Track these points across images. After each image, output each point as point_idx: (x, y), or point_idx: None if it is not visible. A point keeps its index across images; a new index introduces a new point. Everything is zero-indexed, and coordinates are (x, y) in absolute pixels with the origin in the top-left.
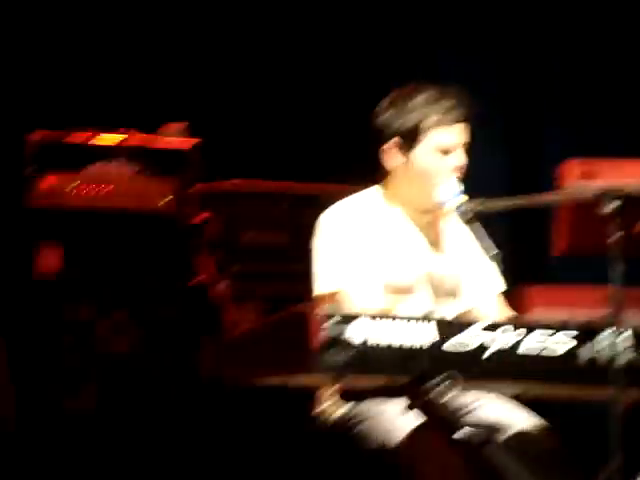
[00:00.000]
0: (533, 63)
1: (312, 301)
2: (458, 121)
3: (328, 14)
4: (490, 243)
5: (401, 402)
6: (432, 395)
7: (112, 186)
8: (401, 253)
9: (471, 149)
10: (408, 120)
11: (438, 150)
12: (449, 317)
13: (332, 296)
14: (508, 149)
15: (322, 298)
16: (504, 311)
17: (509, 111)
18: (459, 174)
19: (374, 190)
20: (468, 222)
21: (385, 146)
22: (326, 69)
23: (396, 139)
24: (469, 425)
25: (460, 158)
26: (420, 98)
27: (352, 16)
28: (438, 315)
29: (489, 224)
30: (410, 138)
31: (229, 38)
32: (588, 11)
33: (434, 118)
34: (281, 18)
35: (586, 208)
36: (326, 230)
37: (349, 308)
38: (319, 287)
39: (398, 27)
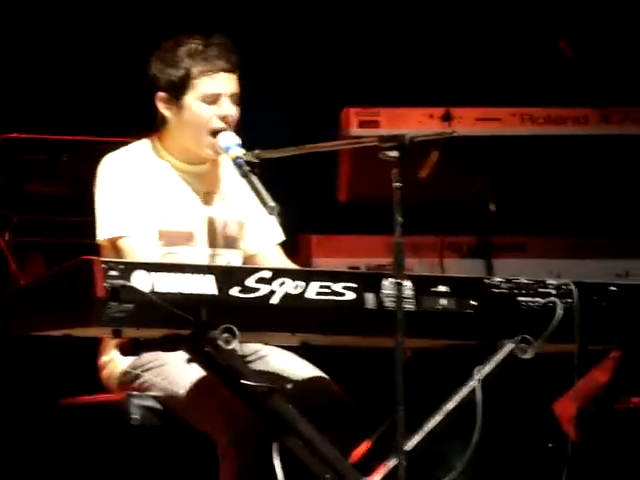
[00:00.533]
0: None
1: (95, 249)
2: (223, 70)
3: None
4: (268, 196)
5: (184, 353)
6: (211, 347)
7: None
8: (175, 202)
9: (250, 102)
10: (174, 71)
11: (204, 99)
12: (229, 265)
13: (113, 242)
14: (288, 100)
15: (103, 245)
16: (283, 261)
17: (287, 64)
18: (229, 125)
19: (146, 142)
20: (245, 175)
21: (157, 97)
22: (103, 24)
23: (165, 89)
24: (252, 375)
25: (226, 107)
26: (185, 49)
27: None
28: (219, 264)
29: (270, 175)
30: (178, 88)
31: None
32: None
33: (199, 68)
34: None
35: (368, 156)
36: (105, 177)
37: (130, 256)
38: (100, 234)
39: None
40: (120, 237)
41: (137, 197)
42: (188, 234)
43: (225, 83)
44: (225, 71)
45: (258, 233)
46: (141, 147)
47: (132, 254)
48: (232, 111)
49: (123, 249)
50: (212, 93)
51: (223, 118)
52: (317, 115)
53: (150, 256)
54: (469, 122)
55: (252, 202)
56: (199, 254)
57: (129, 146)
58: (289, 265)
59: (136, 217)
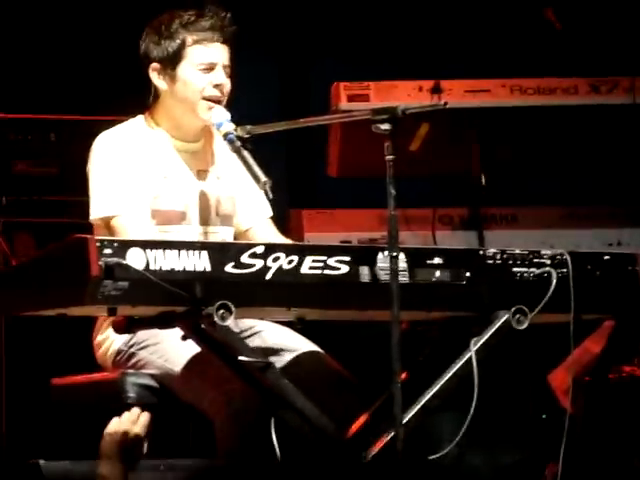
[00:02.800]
0: None
1: (84, 228)
2: (217, 40)
3: None
4: (259, 171)
5: (179, 330)
6: (206, 324)
7: None
8: (168, 180)
9: (242, 79)
10: (169, 42)
11: (199, 67)
12: (224, 242)
13: (106, 221)
14: (277, 73)
15: (97, 224)
16: (276, 235)
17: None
18: (222, 94)
19: (140, 119)
20: (237, 150)
21: (150, 68)
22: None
23: (160, 60)
24: (249, 351)
25: (220, 76)
26: (179, 20)
27: None
28: (213, 240)
29: (262, 149)
30: (173, 58)
31: None
32: None
33: (194, 37)
34: None
35: (359, 130)
36: (98, 156)
37: (122, 235)
38: (93, 212)
39: None
40: (113, 216)
41: (130, 176)
42: (182, 213)
43: (220, 53)
44: (219, 42)
45: (249, 208)
46: (134, 125)
47: (124, 233)
48: (226, 81)
49: (115, 228)
50: (207, 62)
51: (217, 86)
52: (306, 89)
53: (142, 235)
54: (458, 94)
55: (243, 178)
56: (193, 232)
57: (122, 124)
58: (281, 239)
59: (129, 196)
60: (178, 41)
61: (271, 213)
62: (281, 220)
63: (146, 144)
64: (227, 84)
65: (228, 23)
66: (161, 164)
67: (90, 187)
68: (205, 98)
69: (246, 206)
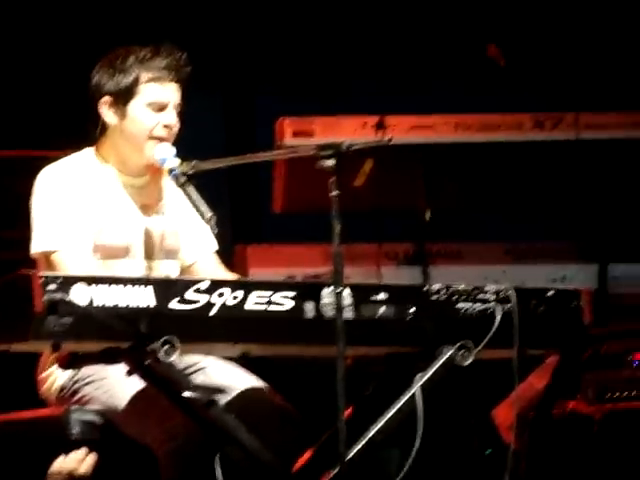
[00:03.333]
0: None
1: (27, 264)
2: (171, 80)
3: None
4: (205, 206)
5: (123, 366)
6: (151, 360)
7: None
8: (113, 214)
9: (187, 114)
10: (123, 77)
11: (150, 106)
12: (169, 277)
13: (46, 256)
14: (221, 107)
15: (38, 258)
16: (221, 270)
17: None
18: (170, 134)
19: (87, 152)
20: (182, 185)
21: (101, 102)
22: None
23: (111, 94)
24: (193, 387)
25: (171, 117)
26: (135, 56)
27: None
28: (158, 275)
29: (206, 184)
30: (125, 94)
31: None
32: None
33: (149, 75)
34: None
35: (303, 165)
36: (40, 190)
37: (63, 269)
38: (34, 247)
39: None
40: (53, 251)
41: (72, 210)
42: (125, 247)
43: (172, 93)
44: (173, 81)
45: (194, 242)
46: (80, 158)
47: (64, 268)
48: (176, 121)
49: (55, 263)
50: (159, 101)
51: (166, 127)
52: (251, 124)
53: (82, 270)
54: (403, 130)
55: (189, 212)
56: (137, 267)
57: (68, 157)
58: (226, 273)
59: (70, 231)
60: (132, 77)
61: (216, 247)
62: (226, 255)
63: (91, 178)
64: (177, 125)
65: (184, 63)
66: (105, 198)
67: (32, 221)
68: (153, 137)
69: (191, 240)
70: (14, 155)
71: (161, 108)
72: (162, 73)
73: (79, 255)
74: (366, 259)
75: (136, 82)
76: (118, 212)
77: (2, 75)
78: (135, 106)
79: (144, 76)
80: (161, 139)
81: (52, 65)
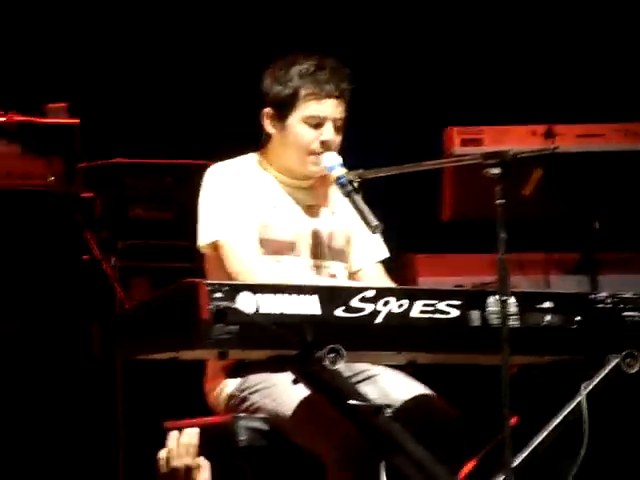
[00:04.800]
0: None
1: (201, 273)
2: (329, 96)
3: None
4: (370, 215)
5: (290, 374)
6: (318, 367)
7: None
8: (278, 212)
9: (352, 125)
10: (283, 90)
11: (308, 121)
12: (335, 282)
13: (214, 246)
14: (391, 119)
15: (206, 252)
16: (383, 279)
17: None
18: (328, 149)
19: (251, 156)
20: (348, 195)
21: (263, 113)
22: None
23: (272, 106)
24: (359, 395)
25: (328, 133)
26: (297, 69)
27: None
28: (324, 275)
29: (374, 193)
30: (284, 107)
31: (104, 20)
32: None
33: (307, 89)
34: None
35: (471, 174)
36: (209, 185)
37: (231, 258)
38: (202, 238)
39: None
40: (221, 240)
41: (239, 203)
42: (291, 243)
43: (331, 108)
44: (332, 97)
45: (362, 250)
46: (246, 160)
47: (232, 255)
48: (334, 137)
49: (224, 251)
50: (316, 116)
51: (324, 143)
52: (420, 135)
53: (251, 259)
54: (571, 138)
55: (356, 219)
56: (303, 264)
57: (235, 159)
58: (389, 284)
59: (237, 221)
60: (291, 90)
61: (386, 255)
62: (393, 264)
63: (256, 177)
64: (335, 140)
65: (346, 80)
66: (271, 195)
67: (199, 214)
68: (311, 153)
69: (359, 247)
70: (185, 163)
71: (318, 124)
72: (322, 88)
73: (246, 244)
74: (534, 268)
75: (295, 96)
76: (283, 209)
77: (173, 86)
78: (293, 120)
79: (303, 91)
80: (318, 154)
81: (222, 77)
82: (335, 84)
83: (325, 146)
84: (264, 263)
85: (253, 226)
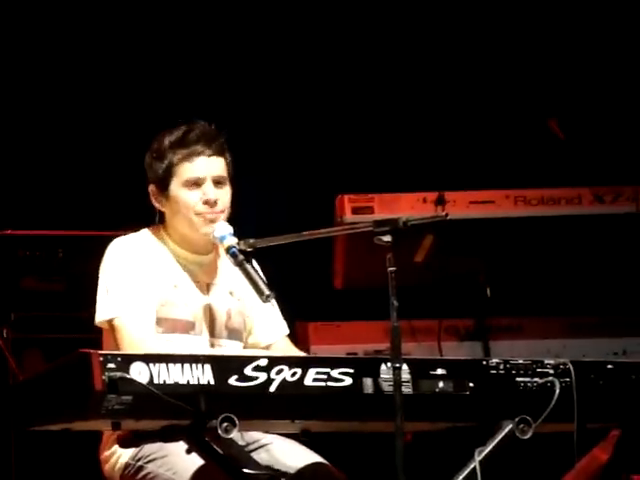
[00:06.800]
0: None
1: (96, 344)
2: (200, 154)
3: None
4: (263, 284)
5: (184, 443)
6: (212, 436)
7: None
8: (176, 290)
9: (246, 189)
10: (159, 163)
11: (186, 184)
12: (227, 355)
13: (110, 323)
14: (283, 187)
15: (104, 327)
16: (295, 351)
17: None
18: (212, 207)
19: (151, 231)
20: (239, 264)
21: (149, 190)
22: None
23: (154, 182)
24: (254, 464)
25: (209, 191)
26: (167, 140)
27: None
28: (219, 353)
29: (266, 261)
30: (164, 179)
31: None
32: None
33: (178, 155)
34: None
35: (363, 241)
36: (108, 260)
37: (125, 335)
38: (99, 315)
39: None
40: (116, 317)
41: (138, 281)
42: (189, 322)
43: (205, 167)
44: (205, 155)
45: (268, 325)
46: (146, 235)
47: (126, 334)
48: (215, 194)
49: (117, 328)
50: (193, 177)
51: (206, 202)
52: (312, 202)
53: (145, 337)
54: (462, 205)
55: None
56: (200, 343)
57: (135, 233)
58: (299, 354)
59: (134, 299)
60: (166, 161)
61: (288, 331)
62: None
63: (156, 254)
64: (218, 197)
65: (217, 136)
66: (170, 273)
67: (98, 290)
68: (198, 214)
69: (264, 323)
70: (77, 235)
71: (197, 184)
72: (191, 149)
73: (141, 322)
74: (427, 334)
75: (170, 165)
76: (182, 287)
77: (63, 156)
78: (174, 188)
79: (175, 158)
80: (206, 215)
81: (112, 148)
82: (205, 142)
83: (209, 204)
84: (158, 340)
85: (151, 305)
